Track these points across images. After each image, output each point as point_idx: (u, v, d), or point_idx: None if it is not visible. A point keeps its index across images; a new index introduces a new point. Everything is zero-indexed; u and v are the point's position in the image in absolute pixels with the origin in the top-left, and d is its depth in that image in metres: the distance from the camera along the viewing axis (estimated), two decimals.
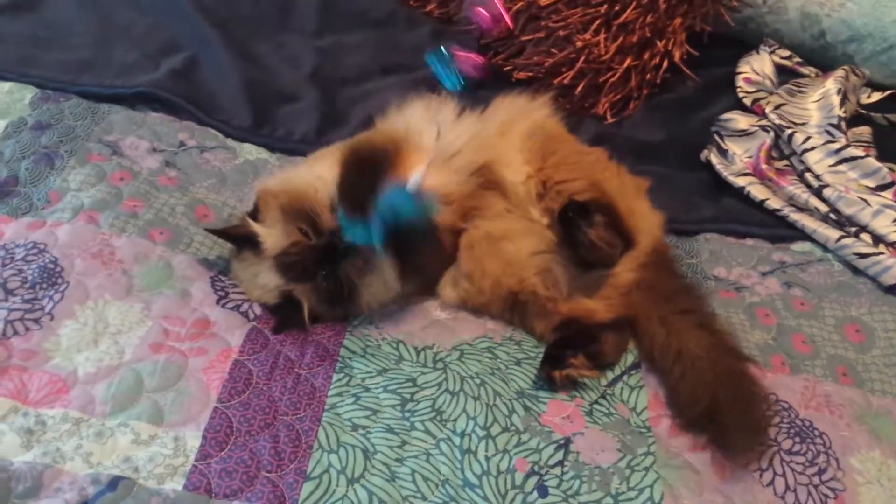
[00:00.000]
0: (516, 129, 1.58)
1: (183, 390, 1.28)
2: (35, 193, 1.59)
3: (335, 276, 1.39)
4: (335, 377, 1.33)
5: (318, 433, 1.24)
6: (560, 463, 1.24)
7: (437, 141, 1.51)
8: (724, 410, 1.30)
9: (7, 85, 1.86)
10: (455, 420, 1.28)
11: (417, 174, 1.29)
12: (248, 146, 1.87)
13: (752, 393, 1.33)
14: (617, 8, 2.08)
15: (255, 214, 1.46)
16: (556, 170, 1.50)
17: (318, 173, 1.48)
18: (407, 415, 1.28)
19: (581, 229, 1.36)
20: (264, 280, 1.43)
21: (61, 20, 2.16)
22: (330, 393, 1.31)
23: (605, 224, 1.36)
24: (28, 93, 1.84)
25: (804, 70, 2.26)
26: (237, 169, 1.78)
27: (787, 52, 2.30)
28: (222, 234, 1.46)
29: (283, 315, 1.42)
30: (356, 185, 1.33)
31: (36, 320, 1.34)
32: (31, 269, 1.42)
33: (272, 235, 1.42)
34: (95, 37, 2.11)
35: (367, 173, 1.34)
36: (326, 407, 1.28)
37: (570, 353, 1.34)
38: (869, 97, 2.21)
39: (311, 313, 1.42)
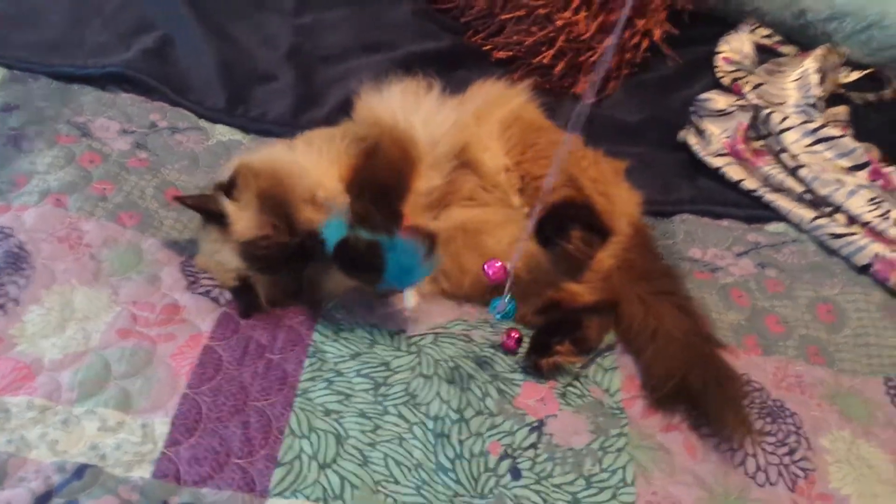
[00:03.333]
0: (494, 116, 1.57)
1: (151, 376, 1.26)
2: (2, 176, 1.56)
3: (299, 275, 1.37)
4: (307, 362, 1.32)
5: (290, 418, 1.23)
6: (533, 445, 1.24)
7: (423, 130, 1.50)
8: (697, 390, 1.30)
9: None
10: (428, 404, 1.27)
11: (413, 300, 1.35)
12: (220, 127, 1.84)
13: (724, 374, 1.33)
14: None
15: (229, 189, 1.41)
16: (534, 164, 1.49)
17: (304, 164, 1.43)
18: (380, 399, 1.27)
19: (559, 245, 1.36)
20: (225, 259, 1.40)
21: (31, 1, 2.11)
22: (302, 378, 1.29)
23: (581, 237, 1.35)
24: None
25: (784, 49, 2.25)
26: (209, 150, 1.76)
27: (767, 31, 2.29)
28: (192, 205, 1.41)
29: (246, 299, 1.39)
30: (374, 213, 1.31)
31: (0, 306, 1.32)
32: None
33: (243, 219, 1.38)
34: (66, 16, 2.07)
35: (384, 200, 1.34)
36: (298, 392, 1.27)
37: (556, 340, 1.34)
38: (847, 76, 2.20)
39: (267, 299, 1.39)
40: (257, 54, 2.09)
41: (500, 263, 1.30)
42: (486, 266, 1.30)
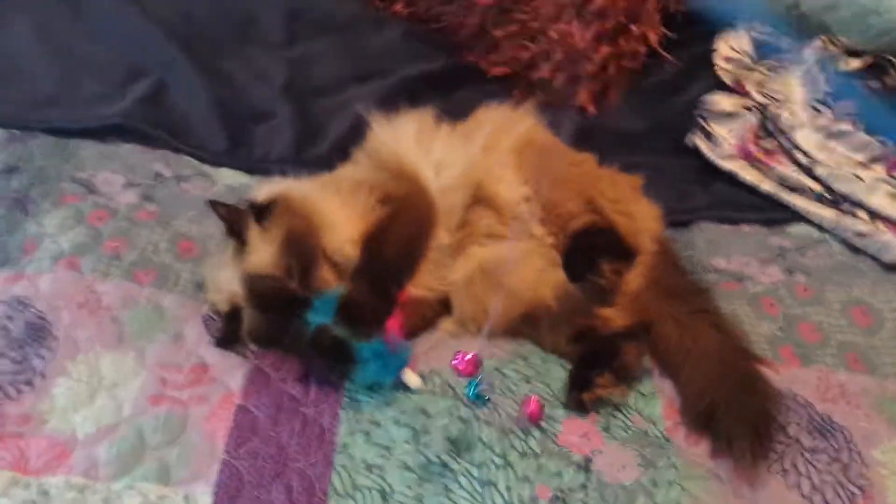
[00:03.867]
0: (504, 144, 1.54)
1: (187, 444, 1.23)
2: (11, 243, 1.53)
3: (289, 326, 1.33)
4: (342, 414, 1.29)
5: (332, 478, 1.20)
6: (583, 485, 1.21)
7: (437, 179, 1.49)
8: (724, 411, 1.29)
9: None
10: (471, 450, 1.25)
11: (415, 380, 1.33)
12: (225, 171, 1.82)
13: (758, 395, 1.31)
14: None
15: (261, 214, 1.39)
16: (552, 191, 1.46)
17: (336, 217, 1.42)
18: (421, 448, 1.24)
19: (591, 283, 1.35)
20: (225, 280, 1.39)
21: (18, 54, 2.08)
22: (339, 432, 1.27)
23: (611, 269, 1.34)
24: None
25: (782, 43, 2.23)
26: (217, 197, 1.72)
27: (763, 27, 2.27)
28: (221, 215, 1.40)
29: (229, 328, 1.38)
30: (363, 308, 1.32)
31: (27, 381, 1.30)
32: (16, 327, 1.36)
33: (262, 252, 1.36)
34: (57, 70, 2.03)
35: (384, 284, 1.35)
36: (337, 448, 1.24)
37: (595, 373, 1.31)
38: (848, 64, 2.18)
39: (249, 336, 1.37)
40: (252, 91, 2.07)
41: (469, 356, 1.31)
42: (454, 363, 1.32)
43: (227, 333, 1.38)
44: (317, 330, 1.30)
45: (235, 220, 1.40)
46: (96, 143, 1.80)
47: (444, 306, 1.47)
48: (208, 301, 1.44)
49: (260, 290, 1.34)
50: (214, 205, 1.41)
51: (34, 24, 2.17)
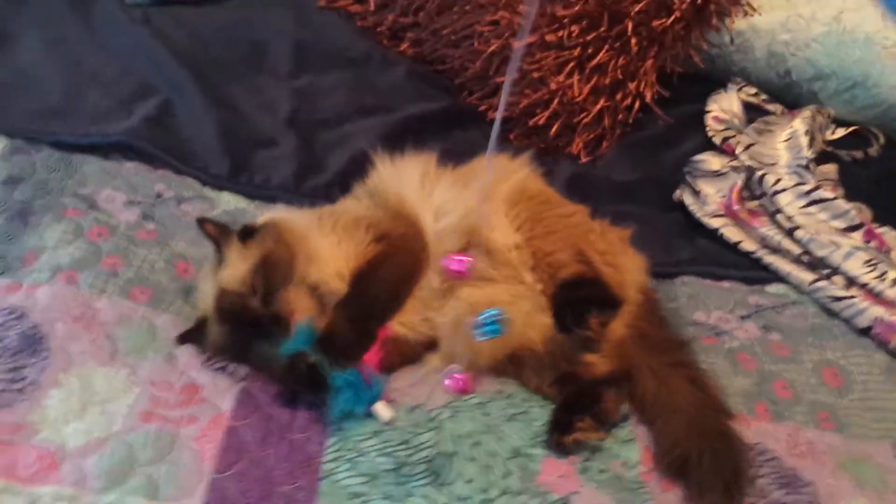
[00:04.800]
0: (499, 193, 1.59)
1: (176, 462, 1.26)
2: (11, 253, 1.56)
3: (245, 345, 1.41)
4: (328, 441, 1.33)
5: (317, 503, 1.23)
6: None
7: (435, 224, 1.54)
8: (697, 462, 1.33)
9: None
10: (452, 484, 1.28)
11: (387, 413, 1.37)
12: (225, 195, 1.86)
13: (729, 451, 1.35)
14: (590, 51, 2.12)
15: (247, 235, 1.48)
16: (543, 240, 1.52)
17: (322, 251, 1.48)
18: (404, 479, 1.28)
19: (578, 334, 1.39)
20: (203, 290, 1.48)
21: (29, 66, 2.13)
22: (325, 458, 1.30)
23: (599, 321, 1.39)
24: None
25: (771, 107, 2.32)
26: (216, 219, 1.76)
27: (754, 90, 2.36)
28: (207, 232, 1.50)
29: (194, 334, 1.45)
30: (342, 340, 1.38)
31: (20, 391, 1.32)
32: (11, 337, 1.39)
33: (234, 269, 1.44)
34: (65, 83, 2.08)
35: (365, 320, 1.41)
36: (322, 475, 1.27)
37: (576, 417, 1.35)
38: (833, 133, 2.27)
39: (211, 347, 1.44)
40: (256, 119, 2.12)
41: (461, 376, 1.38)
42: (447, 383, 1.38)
43: (189, 334, 1.45)
44: (293, 356, 1.35)
45: (222, 238, 1.49)
46: (100, 160, 1.84)
47: (425, 346, 1.51)
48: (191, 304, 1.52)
49: (223, 304, 1.42)
50: (202, 222, 1.51)
51: (46, 37, 2.22)
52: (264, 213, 1.62)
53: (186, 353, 1.44)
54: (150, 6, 2.42)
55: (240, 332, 1.41)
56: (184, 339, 1.45)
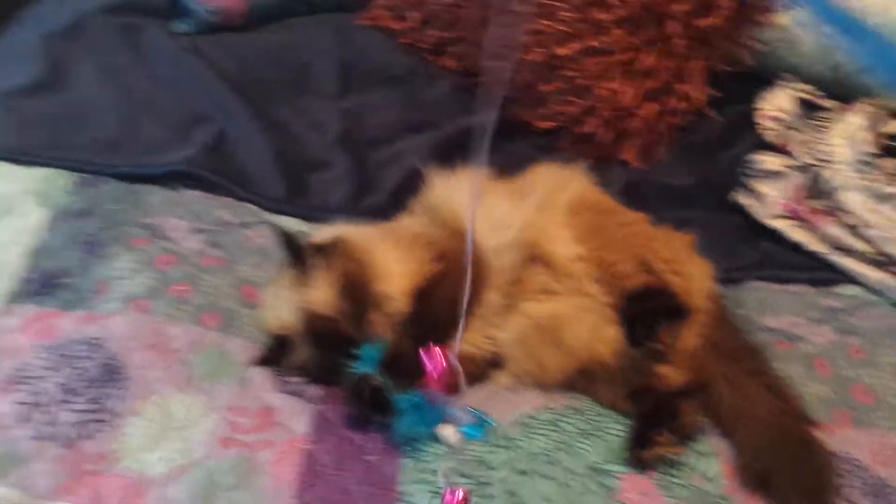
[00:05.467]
0: (558, 203, 1.59)
1: (257, 487, 1.27)
2: (84, 285, 1.59)
3: (336, 365, 1.40)
4: (404, 462, 1.33)
5: None
6: None
7: (491, 239, 1.53)
8: (780, 474, 1.31)
9: (43, 171, 1.87)
10: (531, 503, 1.27)
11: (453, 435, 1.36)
12: (285, 219, 1.87)
13: (813, 459, 1.33)
14: (637, 55, 2.11)
15: (322, 253, 1.47)
16: (606, 251, 1.51)
17: (391, 267, 1.48)
18: (482, 500, 1.27)
19: (650, 347, 1.39)
20: (282, 308, 1.46)
21: (84, 98, 2.16)
22: (402, 480, 1.30)
23: (668, 333, 1.39)
24: (65, 179, 1.85)
25: (825, 103, 2.27)
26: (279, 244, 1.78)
27: (805, 86, 2.32)
28: (288, 245, 1.48)
29: (274, 353, 1.46)
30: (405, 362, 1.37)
31: (102, 420, 1.34)
32: (90, 367, 1.41)
33: (322, 292, 1.43)
34: (120, 114, 2.11)
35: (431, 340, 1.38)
36: (401, 497, 1.27)
37: (655, 431, 1.34)
38: (890, 126, 2.22)
39: (293, 366, 1.45)
40: (308, 141, 2.14)
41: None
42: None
43: (270, 356, 1.46)
44: (359, 378, 1.35)
45: (301, 255, 1.48)
46: (162, 189, 1.87)
47: (490, 364, 1.51)
48: (258, 321, 1.52)
49: (317, 328, 1.41)
50: (282, 235, 1.50)
51: (99, 68, 2.25)
52: (326, 230, 1.62)
53: (259, 377, 1.45)
54: (196, 34, 2.45)
55: (332, 356, 1.40)
56: (265, 361, 1.46)
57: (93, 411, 1.35)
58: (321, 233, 1.59)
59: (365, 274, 1.46)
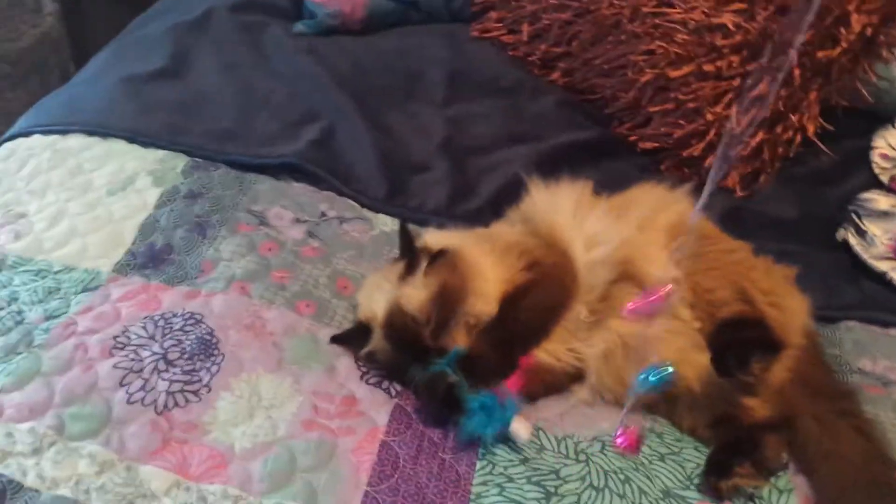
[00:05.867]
0: (658, 224, 1.58)
1: (335, 471, 1.31)
2: (189, 262, 1.68)
3: (404, 367, 1.44)
4: (478, 464, 1.35)
5: None
6: None
7: (586, 254, 1.54)
8: None
9: (161, 153, 1.98)
10: None
11: (524, 431, 1.38)
12: (382, 217, 1.92)
13: None
14: (750, 81, 2.07)
15: (435, 258, 1.50)
16: (703, 276, 1.49)
17: (484, 275, 1.50)
18: None
19: (739, 378, 1.37)
20: (378, 297, 1.49)
21: (205, 88, 2.28)
22: (474, 481, 1.32)
23: (761, 367, 1.36)
24: (180, 161, 1.96)
25: None
26: (374, 240, 1.84)
27: None
28: (407, 242, 1.54)
29: (354, 336, 1.51)
30: (483, 363, 1.41)
31: (195, 392, 1.41)
32: (188, 340, 1.49)
33: (417, 293, 1.46)
34: (237, 105, 2.21)
35: (509, 346, 1.42)
36: (472, 497, 1.30)
37: (735, 461, 1.32)
38: None
39: (367, 356, 1.49)
40: (412, 145, 2.18)
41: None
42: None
43: (346, 337, 1.51)
44: (434, 375, 1.38)
45: (412, 251, 1.52)
46: (270, 179, 1.95)
47: (570, 377, 1.51)
48: (353, 306, 1.58)
49: (398, 324, 1.44)
50: (403, 228, 1.56)
51: (221, 62, 2.37)
52: (433, 233, 1.65)
53: (346, 366, 1.50)
54: (314, 35, 2.54)
55: (404, 355, 1.45)
56: (338, 339, 1.52)
57: (186, 382, 1.43)
58: (436, 236, 1.61)
59: (463, 289, 1.47)
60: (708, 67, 2.11)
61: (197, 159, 1.98)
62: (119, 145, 2.01)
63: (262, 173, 1.97)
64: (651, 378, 1.31)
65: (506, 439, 1.38)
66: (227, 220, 1.79)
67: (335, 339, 1.53)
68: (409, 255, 1.52)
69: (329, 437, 1.36)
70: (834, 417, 1.38)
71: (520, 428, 1.37)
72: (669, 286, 1.30)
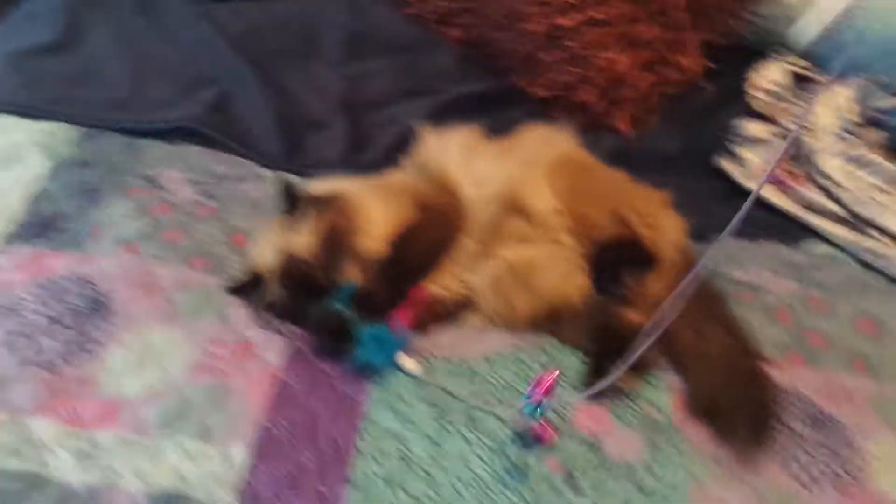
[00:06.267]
0: (541, 159, 1.64)
1: (229, 410, 1.34)
2: (78, 228, 1.67)
3: (302, 307, 1.47)
4: (371, 390, 1.40)
5: (359, 442, 1.30)
6: (592, 464, 1.30)
7: (474, 193, 1.59)
8: (726, 402, 1.37)
9: (51, 125, 1.95)
10: (490, 426, 1.34)
11: (410, 363, 1.43)
12: (280, 174, 1.94)
13: (758, 391, 1.39)
14: (636, 27, 2.14)
15: (319, 204, 1.53)
16: (583, 204, 1.57)
17: (375, 217, 1.55)
18: (443, 423, 1.34)
19: (615, 294, 1.46)
20: (267, 247, 1.53)
21: (98, 59, 2.24)
22: (368, 404, 1.37)
23: (635, 281, 1.45)
24: (71, 132, 1.93)
25: (817, 77, 2.29)
26: (271, 197, 1.84)
27: (799, 61, 2.34)
28: (288, 193, 1.55)
29: (248, 287, 1.53)
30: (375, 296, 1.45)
31: (85, 349, 1.42)
32: (78, 302, 1.50)
33: (305, 237, 1.50)
34: (130, 74, 2.19)
35: (398, 280, 1.47)
36: (365, 418, 1.35)
37: (609, 363, 1.39)
38: (882, 101, 2.23)
39: (265, 304, 1.52)
40: (309, 104, 2.20)
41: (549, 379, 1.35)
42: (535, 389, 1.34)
43: (240, 288, 1.54)
44: (327, 312, 1.43)
45: (294, 202, 1.55)
46: (163, 144, 1.95)
47: (460, 306, 1.56)
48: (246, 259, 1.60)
49: (290, 269, 1.48)
50: (283, 183, 1.57)
51: (114, 32, 2.33)
52: (324, 183, 1.67)
53: (240, 314, 1.53)
54: (210, 2, 2.52)
55: (300, 299, 1.48)
56: (235, 291, 1.54)
57: (77, 341, 1.44)
58: (319, 185, 1.65)
59: (350, 227, 1.52)
60: (597, 15, 2.18)
61: (89, 129, 1.96)
62: (7, 120, 1.98)
63: (157, 139, 1.96)
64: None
65: (397, 369, 1.44)
66: (117, 186, 1.78)
67: (230, 291, 1.55)
68: (295, 207, 1.56)
69: (223, 379, 1.40)
70: (702, 319, 1.47)
71: (406, 360, 1.43)
72: (556, 372, 1.35)
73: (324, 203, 1.55)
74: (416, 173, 1.72)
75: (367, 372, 1.41)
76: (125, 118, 2.02)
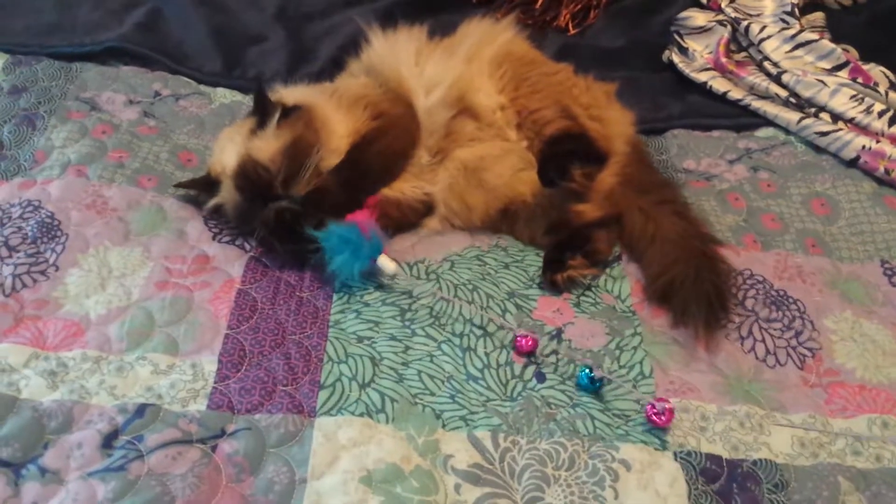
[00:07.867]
0: (484, 54, 1.62)
1: (193, 321, 1.34)
2: (21, 155, 1.62)
3: (252, 216, 1.44)
4: (335, 297, 1.40)
5: (327, 347, 1.31)
6: (554, 351, 1.33)
7: (426, 100, 1.57)
8: (681, 286, 1.39)
9: None
10: (453, 323, 1.36)
11: (390, 265, 1.39)
12: (221, 90, 1.91)
13: (713, 273, 1.41)
14: None
15: (288, 112, 1.48)
16: (528, 98, 1.55)
17: (334, 129, 1.51)
18: (407, 323, 1.36)
19: (564, 187, 1.45)
20: (228, 150, 1.48)
21: None
22: (332, 311, 1.37)
23: (582, 173, 1.44)
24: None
25: None
26: (214, 113, 1.82)
27: None
28: (260, 99, 1.49)
29: (200, 186, 1.52)
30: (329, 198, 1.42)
31: (42, 272, 1.40)
32: (29, 226, 1.46)
33: (268, 144, 1.44)
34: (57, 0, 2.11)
35: (355, 186, 1.44)
36: (331, 324, 1.35)
37: (568, 255, 1.42)
38: None
39: (214, 208, 1.50)
40: (246, 17, 2.15)
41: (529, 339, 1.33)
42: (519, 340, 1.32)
43: (192, 183, 1.52)
44: (277, 207, 1.40)
45: (266, 109, 1.49)
46: (97, 66, 1.89)
47: (419, 213, 1.56)
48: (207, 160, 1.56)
49: (249, 173, 1.43)
50: (258, 86, 1.52)
51: None
52: (291, 91, 1.62)
53: (196, 230, 1.51)
54: None
55: (253, 205, 1.43)
56: (183, 184, 1.51)
57: (32, 264, 1.41)
58: (291, 92, 1.60)
59: (315, 143, 1.46)
60: None
61: (18, 56, 1.90)
62: None
63: (89, 62, 1.90)
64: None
65: (370, 275, 1.43)
66: (56, 110, 1.73)
67: (179, 185, 1.52)
68: (263, 110, 1.49)
69: (184, 293, 1.38)
70: (657, 207, 1.50)
71: (386, 262, 1.40)
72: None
73: (293, 112, 1.50)
74: (368, 78, 1.68)
75: (340, 276, 1.40)
76: (56, 42, 1.96)
